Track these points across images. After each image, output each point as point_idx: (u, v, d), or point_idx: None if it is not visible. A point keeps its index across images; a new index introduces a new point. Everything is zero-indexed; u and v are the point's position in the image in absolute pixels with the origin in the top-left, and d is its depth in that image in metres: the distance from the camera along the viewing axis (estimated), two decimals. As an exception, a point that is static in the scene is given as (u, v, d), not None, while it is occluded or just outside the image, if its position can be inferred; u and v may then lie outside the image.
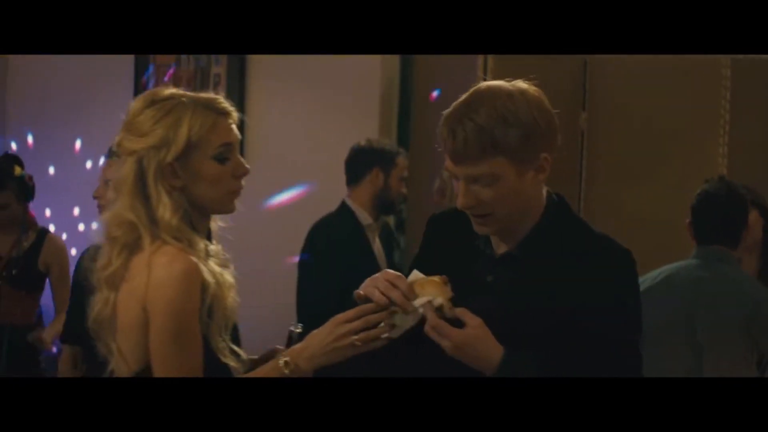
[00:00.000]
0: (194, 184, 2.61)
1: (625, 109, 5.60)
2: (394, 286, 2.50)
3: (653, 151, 5.52)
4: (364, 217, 4.92)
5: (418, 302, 2.49)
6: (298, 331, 2.74)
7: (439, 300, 2.47)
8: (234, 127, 2.65)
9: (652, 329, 4.15)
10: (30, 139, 6.43)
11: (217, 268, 2.60)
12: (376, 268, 4.88)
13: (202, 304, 2.54)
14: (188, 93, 2.63)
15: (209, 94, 2.64)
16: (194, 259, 2.54)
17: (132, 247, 2.59)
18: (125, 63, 6.06)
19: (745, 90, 5.40)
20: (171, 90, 2.64)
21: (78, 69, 6.17)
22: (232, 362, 2.60)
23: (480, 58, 5.22)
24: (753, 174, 4.74)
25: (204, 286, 2.54)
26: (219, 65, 5.91)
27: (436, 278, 2.51)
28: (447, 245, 2.73)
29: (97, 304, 2.61)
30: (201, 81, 5.98)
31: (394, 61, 5.70)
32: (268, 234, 5.59)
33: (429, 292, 2.49)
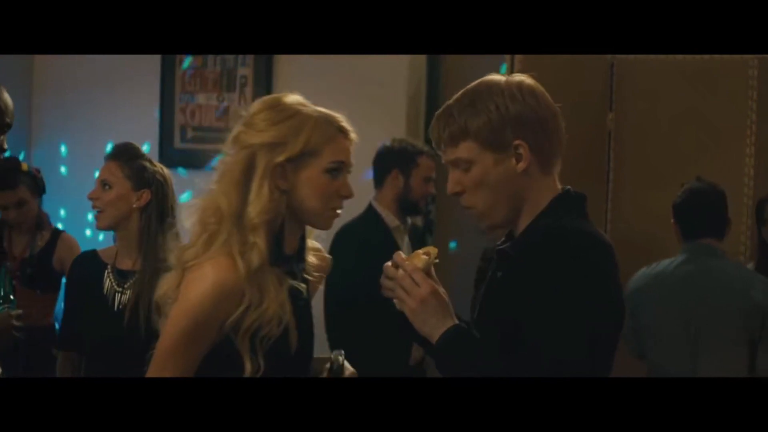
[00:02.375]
0: (300, 191, 2.69)
1: (652, 110, 5.58)
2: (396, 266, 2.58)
3: (680, 151, 5.50)
4: (391, 219, 4.92)
5: None
6: (341, 358, 2.82)
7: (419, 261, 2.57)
8: (351, 149, 2.75)
9: (648, 327, 4.22)
10: (63, 148, 6.46)
11: (273, 291, 2.65)
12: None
13: (240, 317, 2.61)
14: (311, 105, 2.76)
15: (332, 112, 2.75)
16: (233, 277, 2.61)
17: (214, 237, 2.66)
18: (151, 64, 6.07)
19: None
20: (296, 97, 2.80)
21: (101, 70, 6.18)
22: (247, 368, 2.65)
23: (507, 58, 5.23)
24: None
25: (244, 302, 2.62)
26: (245, 67, 5.93)
27: (420, 250, 2.61)
28: None
29: (166, 283, 2.72)
30: (227, 82, 5.99)
31: (421, 61, 5.70)
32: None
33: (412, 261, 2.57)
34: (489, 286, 2.67)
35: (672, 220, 4.35)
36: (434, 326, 2.53)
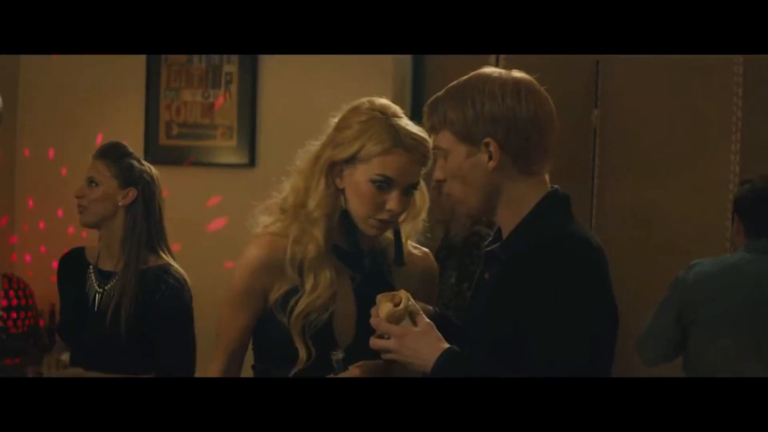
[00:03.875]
0: (348, 193, 2.85)
1: (638, 107, 5.59)
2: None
3: (666, 148, 5.51)
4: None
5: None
6: (340, 357, 2.85)
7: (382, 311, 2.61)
8: (414, 167, 2.82)
9: (715, 319, 4.19)
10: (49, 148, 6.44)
11: (327, 281, 2.83)
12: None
13: (294, 302, 2.81)
14: (399, 115, 2.89)
15: (415, 127, 2.84)
16: (273, 256, 2.84)
17: (278, 221, 2.94)
18: (136, 63, 6.06)
19: (758, 88, 5.38)
20: (383, 102, 2.94)
21: (88, 69, 6.17)
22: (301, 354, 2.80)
23: (492, 58, 5.22)
24: (765, 172, 4.72)
25: (288, 282, 2.83)
26: (231, 64, 5.91)
27: (387, 296, 2.64)
28: None
29: None
30: (213, 79, 5.97)
31: (406, 60, 5.69)
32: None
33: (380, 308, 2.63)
34: (477, 286, 2.69)
35: (734, 216, 4.32)
36: (425, 358, 2.55)
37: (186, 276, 3.80)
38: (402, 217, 2.91)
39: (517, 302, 2.47)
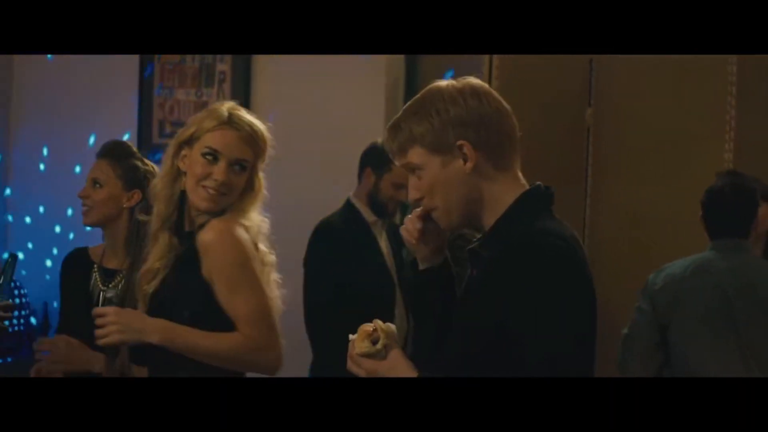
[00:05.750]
0: (187, 173, 3.25)
1: (632, 105, 5.58)
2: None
3: (659, 146, 5.50)
4: (369, 214, 4.92)
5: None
6: (109, 294, 3.46)
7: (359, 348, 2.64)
8: (241, 145, 3.23)
9: (690, 321, 4.20)
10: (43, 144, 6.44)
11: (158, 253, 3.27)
12: (383, 265, 4.88)
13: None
14: (238, 108, 3.27)
15: (250, 116, 3.28)
16: None
17: None
18: (129, 61, 6.06)
19: (752, 86, 5.38)
20: (229, 102, 3.29)
21: (79, 67, 6.16)
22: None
23: (485, 58, 5.22)
24: (759, 171, 4.73)
25: None
26: (224, 63, 5.91)
27: (368, 329, 2.65)
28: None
29: None
30: (206, 78, 5.97)
31: (399, 60, 5.69)
32: (275, 234, 5.57)
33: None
34: (466, 284, 2.70)
35: (700, 214, 4.35)
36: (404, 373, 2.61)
37: None
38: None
39: (500, 302, 2.48)
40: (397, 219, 5.39)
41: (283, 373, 3.09)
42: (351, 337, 2.65)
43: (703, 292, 4.19)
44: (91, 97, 6.22)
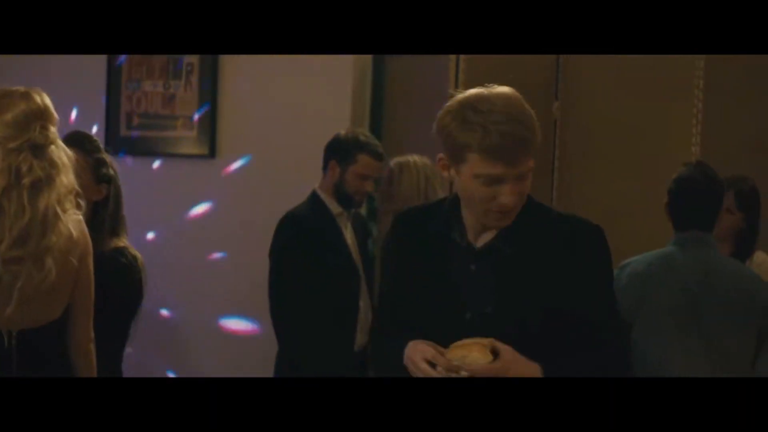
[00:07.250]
0: None
1: (599, 99, 5.60)
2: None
3: (626, 139, 5.53)
4: (334, 206, 4.92)
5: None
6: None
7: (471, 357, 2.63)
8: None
9: (656, 317, 4.21)
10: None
11: None
12: (348, 257, 4.88)
13: None
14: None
15: None
16: None
17: None
18: (97, 55, 6.04)
19: (719, 80, 5.41)
20: None
21: (46, 60, 6.13)
22: None
23: (452, 58, 5.22)
24: (725, 165, 4.75)
25: None
26: (191, 55, 5.90)
27: (472, 344, 2.66)
28: (418, 240, 2.95)
29: None
30: (173, 70, 5.96)
31: (366, 60, 5.69)
32: (243, 228, 5.57)
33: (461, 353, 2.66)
34: (475, 278, 2.77)
35: (665, 202, 4.34)
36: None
37: (140, 257, 3.86)
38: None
39: (555, 285, 2.69)
40: (363, 210, 5.40)
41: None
42: (457, 356, 2.64)
43: (668, 288, 4.18)
44: (57, 89, 6.19)
